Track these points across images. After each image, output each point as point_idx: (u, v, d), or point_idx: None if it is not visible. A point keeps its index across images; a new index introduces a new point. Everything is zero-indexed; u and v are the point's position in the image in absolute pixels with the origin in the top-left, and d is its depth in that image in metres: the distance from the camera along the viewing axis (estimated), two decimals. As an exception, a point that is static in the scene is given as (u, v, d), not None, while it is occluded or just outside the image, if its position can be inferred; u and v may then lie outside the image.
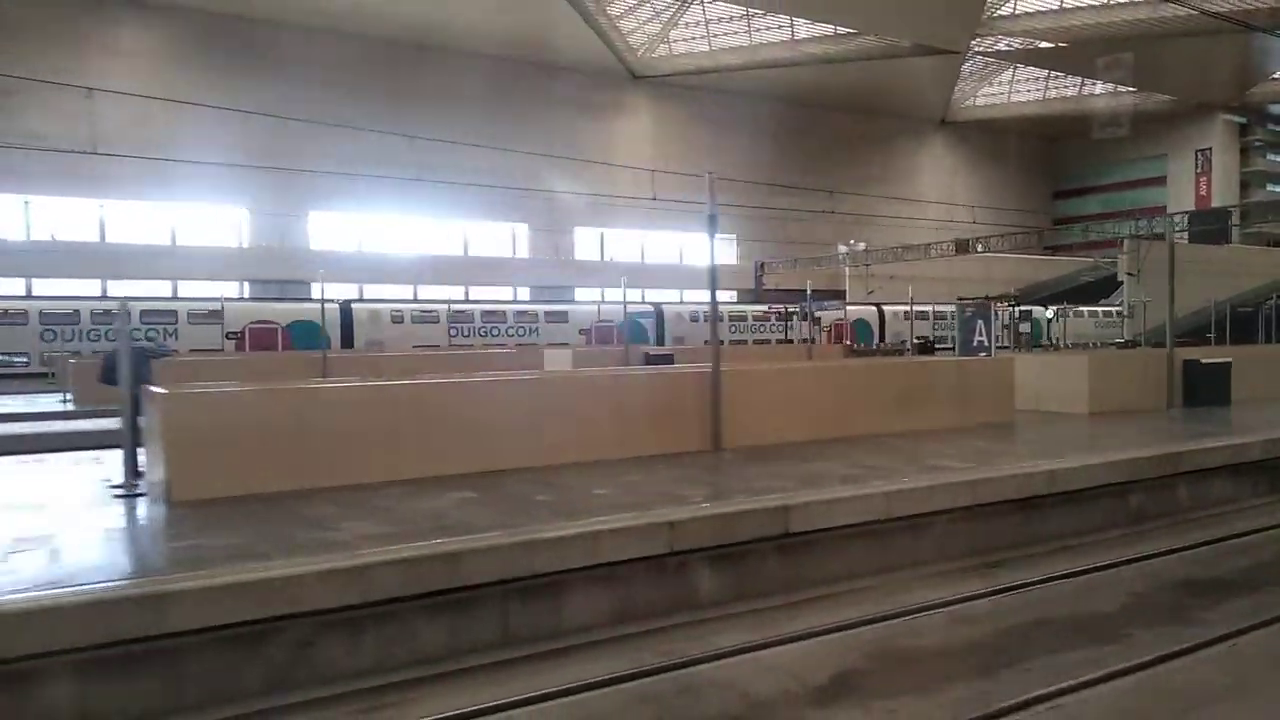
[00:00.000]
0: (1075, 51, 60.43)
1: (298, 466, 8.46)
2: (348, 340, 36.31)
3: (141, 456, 9.10)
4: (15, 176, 37.26)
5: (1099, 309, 55.67)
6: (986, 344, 17.47)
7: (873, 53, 54.70)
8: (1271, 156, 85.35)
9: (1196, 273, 43.95)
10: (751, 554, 7.32)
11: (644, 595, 6.79)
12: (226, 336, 33.26)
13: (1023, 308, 49.99)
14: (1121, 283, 53.98)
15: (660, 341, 39.61)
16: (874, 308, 50.36)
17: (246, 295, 40.99)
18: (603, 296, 52.22)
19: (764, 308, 49.10)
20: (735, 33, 54.24)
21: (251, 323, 33.87)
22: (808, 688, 5.57)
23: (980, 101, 76.87)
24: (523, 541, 6.26)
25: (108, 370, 10.36)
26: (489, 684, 5.62)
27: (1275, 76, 74.79)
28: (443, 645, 6.01)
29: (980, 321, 17.40)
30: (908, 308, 42.03)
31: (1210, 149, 79.20)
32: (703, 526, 7.05)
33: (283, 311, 34.67)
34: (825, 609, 6.99)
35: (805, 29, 54.02)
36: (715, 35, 54.68)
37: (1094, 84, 76.08)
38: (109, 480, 9.32)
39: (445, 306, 38.03)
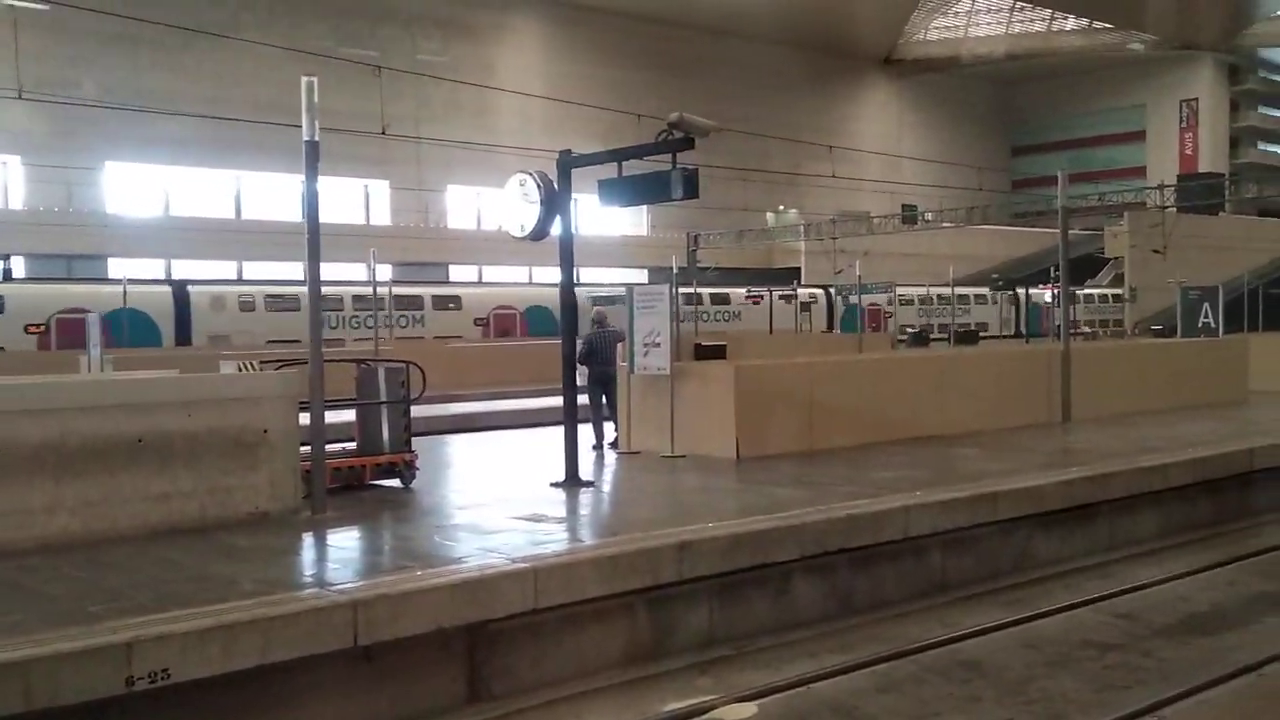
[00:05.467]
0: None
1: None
2: (184, 333, 35.20)
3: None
4: None
5: (1092, 291, 58.06)
6: (1214, 326, 22.23)
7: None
8: (1265, 109, 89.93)
9: (1197, 247, 46.67)
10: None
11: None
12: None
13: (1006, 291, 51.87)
14: (1111, 260, 56.64)
15: (183, 338, 36.54)
16: (820, 290, 51.43)
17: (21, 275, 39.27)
18: (474, 276, 52.10)
19: (744, 290, 49.66)
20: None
21: (59, 312, 32.64)
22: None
23: (933, 36, 79.27)
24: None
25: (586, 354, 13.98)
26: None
27: (1275, 15, 78.93)
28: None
29: (1207, 304, 22.25)
30: (887, 293, 43.25)
31: (1196, 100, 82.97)
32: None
33: (80, 297, 33.28)
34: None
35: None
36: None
37: (1065, 17, 79.29)
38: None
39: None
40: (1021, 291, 55.00)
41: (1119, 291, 55.25)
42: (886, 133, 76.20)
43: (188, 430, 8.63)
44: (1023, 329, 53.07)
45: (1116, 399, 17.29)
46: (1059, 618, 8.65)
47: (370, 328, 33.82)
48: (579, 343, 14.37)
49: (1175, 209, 50.17)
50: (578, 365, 14.12)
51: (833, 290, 48.83)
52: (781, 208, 64.92)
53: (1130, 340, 35.68)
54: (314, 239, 9.20)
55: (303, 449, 9.34)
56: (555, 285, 39.95)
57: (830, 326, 48.88)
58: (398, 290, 38.41)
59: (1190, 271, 33.87)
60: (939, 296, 51.63)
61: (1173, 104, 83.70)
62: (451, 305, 41.18)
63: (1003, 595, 9.41)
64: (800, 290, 49.84)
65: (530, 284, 36.00)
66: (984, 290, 53.23)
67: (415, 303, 40.19)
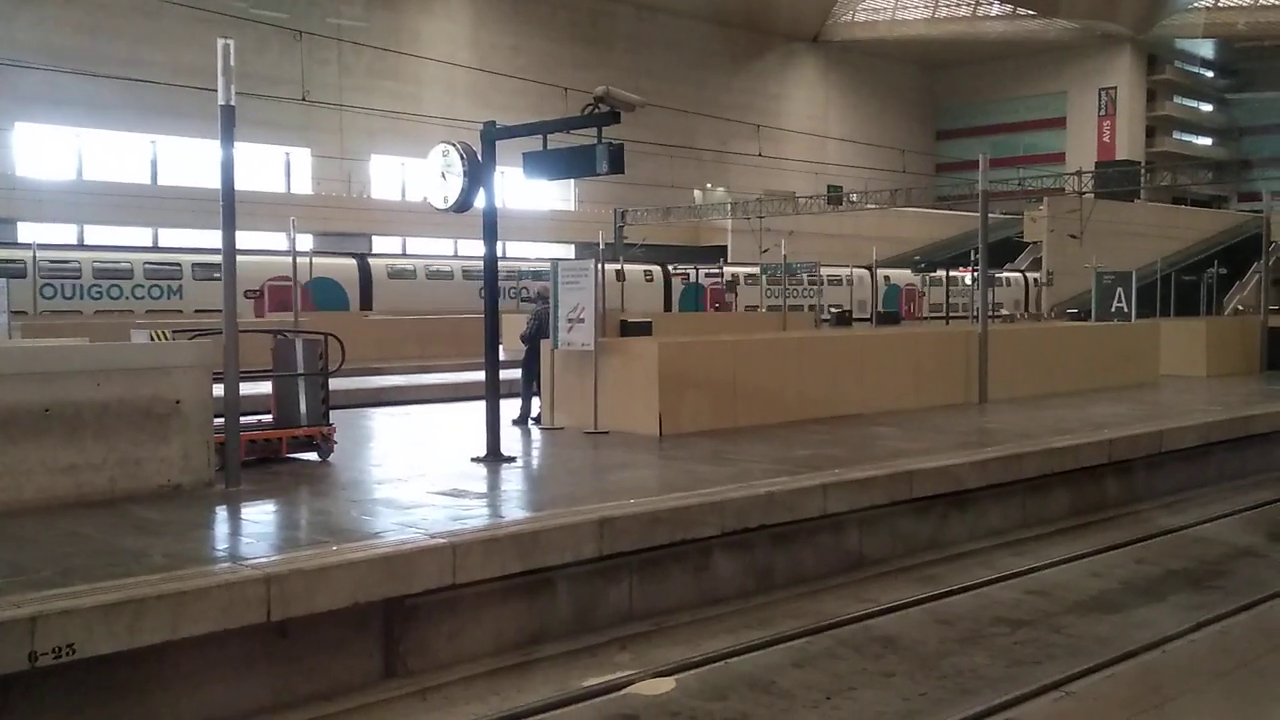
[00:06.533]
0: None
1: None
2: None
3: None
4: None
5: (1006, 274, 58.82)
6: (1126, 310, 22.60)
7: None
8: (1181, 99, 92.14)
9: (1113, 234, 47.69)
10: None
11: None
12: None
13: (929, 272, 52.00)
14: (1030, 244, 57.56)
15: (366, 305, 38.61)
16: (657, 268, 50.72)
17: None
18: (399, 247, 51.53)
19: (671, 268, 49.06)
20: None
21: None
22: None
23: (860, 18, 79.85)
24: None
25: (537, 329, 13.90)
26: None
27: (1192, 6, 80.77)
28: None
29: (1121, 289, 22.75)
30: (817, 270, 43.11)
31: (1115, 88, 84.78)
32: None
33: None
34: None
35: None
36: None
37: (990, 3, 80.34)
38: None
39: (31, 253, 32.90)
40: (882, 273, 54.14)
41: (1033, 275, 56.23)
42: (813, 113, 76.72)
43: (96, 400, 8.41)
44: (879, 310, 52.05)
45: (1032, 381, 17.68)
46: (972, 594, 8.81)
47: (116, 299, 32.82)
48: (529, 319, 14.35)
49: (1093, 195, 51.29)
50: (527, 342, 14.14)
51: (671, 269, 48.50)
52: (709, 185, 65.14)
53: (1046, 323, 36.41)
54: (229, 206, 9.01)
55: (217, 421, 9.17)
56: (342, 256, 39.96)
57: (667, 307, 46.90)
58: (151, 258, 35.83)
59: (1106, 257, 34.60)
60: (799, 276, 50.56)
61: (1092, 92, 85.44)
62: (217, 275, 39.22)
63: (918, 572, 9.57)
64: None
65: (314, 253, 33.87)
66: (842, 270, 51.96)
67: (172, 271, 36.11)
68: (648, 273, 47.35)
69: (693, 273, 49.02)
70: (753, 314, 42.28)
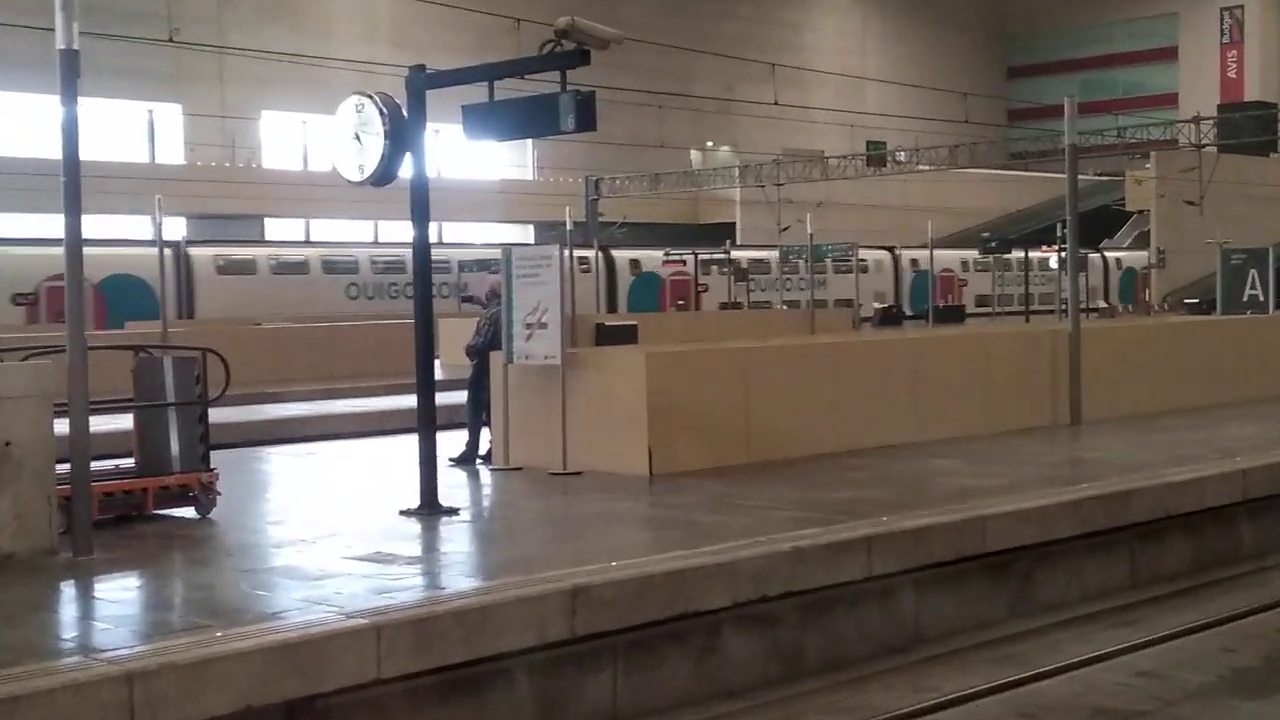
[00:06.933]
0: None
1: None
2: None
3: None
4: None
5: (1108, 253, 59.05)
6: (1263, 299, 23.10)
7: None
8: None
9: (1243, 198, 47.93)
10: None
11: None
12: None
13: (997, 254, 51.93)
14: (1134, 214, 57.66)
15: (187, 313, 37.11)
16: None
17: None
18: (301, 231, 51.48)
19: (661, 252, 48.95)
20: None
21: None
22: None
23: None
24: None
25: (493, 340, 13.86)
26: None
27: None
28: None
29: (1254, 271, 23.15)
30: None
31: (1242, 7, 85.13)
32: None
33: None
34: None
35: None
36: None
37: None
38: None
39: None
40: (905, 255, 54.29)
41: (1121, 254, 56.46)
42: (847, 47, 77.12)
43: (-101, 444, 8.38)
44: (904, 306, 51.93)
45: (1140, 394, 17.78)
46: (1065, 678, 8.81)
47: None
48: (482, 322, 14.29)
49: (1216, 149, 51.45)
50: (475, 357, 14.13)
51: (624, 254, 48.44)
52: (710, 145, 65.32)
53: (1157, 318, 36.58)
54: (72, 182, 8.99)
55: (61, 467, 9.13)
56: (148, 244, 34.99)
57: (611, 306, 45.94)
58: None
59: (1234, 230, 34.82)
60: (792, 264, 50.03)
61: (1213, 11, 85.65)
62: None
63: (993, 651, 9.57)
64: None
65: (106, 241, 33.70)
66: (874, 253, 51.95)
67: None
68: (583, 260, 45.08)
69: (648, 258, 48.62)
70: (769, 312, 42.37)
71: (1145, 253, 54.51)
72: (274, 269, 40.76)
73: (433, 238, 29.36)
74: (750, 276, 47.85)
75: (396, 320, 29.81)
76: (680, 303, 47.22)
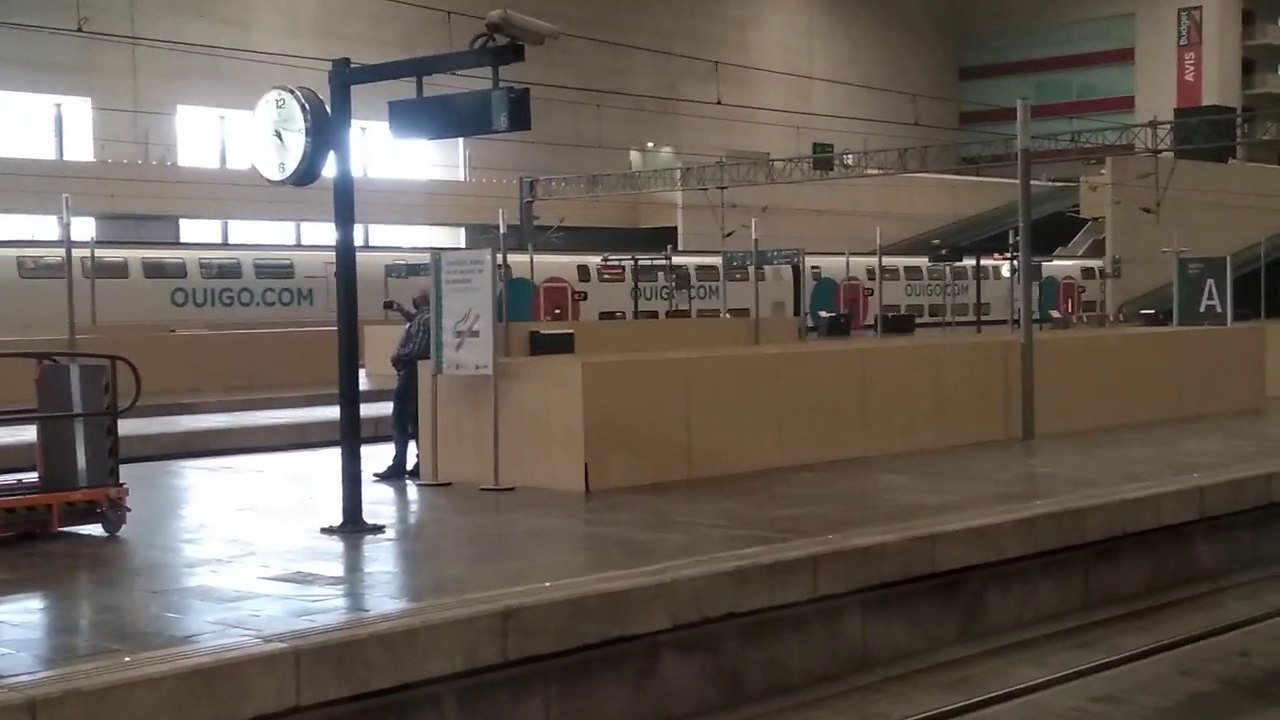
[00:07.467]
0: None
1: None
2: None
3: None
4: None
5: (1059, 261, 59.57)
6: (1220, 310, 23.25)
7: None
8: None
9: (1200, 205, 48.48)
10: None
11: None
12: None
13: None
14: (1089, 221, 58.21)
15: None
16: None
17: None
18: (217, 233, 51.09)
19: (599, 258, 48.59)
20: None
21: None
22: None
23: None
24: None
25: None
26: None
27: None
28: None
29: (1212, 281, 23.07)
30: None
31: (1200, 8, 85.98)
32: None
33: None
34: None
35: None
36: None
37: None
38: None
39: None
40: (811, 263, 53.66)
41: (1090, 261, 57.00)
42: (793, 45, 77.53)
43: None
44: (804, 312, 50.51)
45: (1095, 408, 17.97)
46: (1017, 702, 8.86)
47: None
48: (410, 332, 14.25)
49: (1173, 154, 51.98)
50: (402, 366, 14.10)
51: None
52: (651, 145, 65.43)
53: (1112, 329, 36.97)
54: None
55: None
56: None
57: (500, 318, 45.19)
58: None
59: (1191, 238, 35.22)
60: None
61: (1170, 11, 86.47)
62: None
63: (944, 674, 9.63)
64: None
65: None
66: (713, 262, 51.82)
67: None
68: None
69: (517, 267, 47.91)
70: (713, 320, 42.32)
71: (1074, 262, 55.03)
72: (87, 272, 35.47)
73: (358, 240, 28.98)
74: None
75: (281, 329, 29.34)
76: (557, 311, 46.47)
